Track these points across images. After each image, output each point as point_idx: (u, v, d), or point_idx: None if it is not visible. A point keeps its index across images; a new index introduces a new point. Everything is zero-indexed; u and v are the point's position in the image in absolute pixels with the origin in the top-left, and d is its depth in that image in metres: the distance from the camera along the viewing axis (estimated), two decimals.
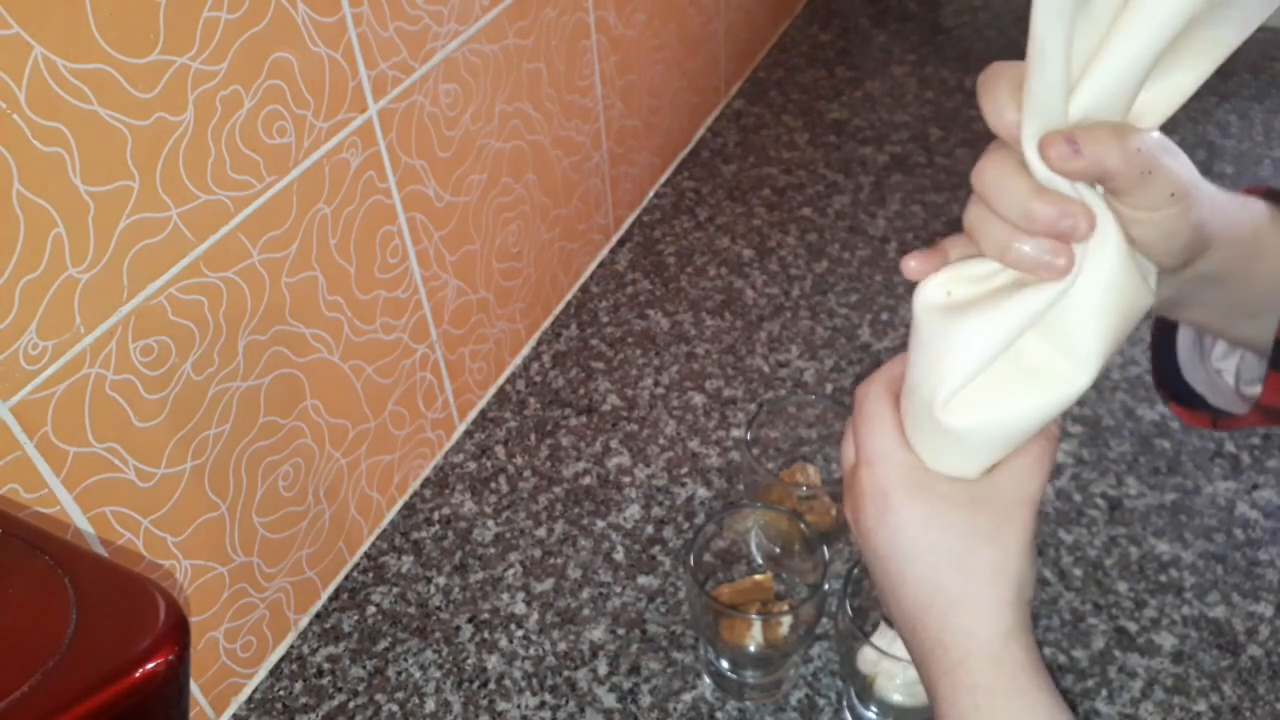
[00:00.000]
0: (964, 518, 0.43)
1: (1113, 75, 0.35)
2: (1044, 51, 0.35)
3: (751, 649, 0.64)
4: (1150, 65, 0.35)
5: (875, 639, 0.61)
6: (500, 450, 0.86)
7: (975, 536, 0.42)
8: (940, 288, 0.42)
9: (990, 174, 0.39)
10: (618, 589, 0.75)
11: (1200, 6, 0.33)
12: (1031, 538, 0.43)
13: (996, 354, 0.40)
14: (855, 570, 0.63)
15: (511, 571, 0.77)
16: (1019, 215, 0.38)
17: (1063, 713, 0.41)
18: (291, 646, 0.73)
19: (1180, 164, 0.38)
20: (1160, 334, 0.56)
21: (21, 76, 0.45)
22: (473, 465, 0.85)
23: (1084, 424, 0.84)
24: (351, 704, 0.69)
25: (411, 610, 0.75)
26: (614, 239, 1.06)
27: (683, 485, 0.82)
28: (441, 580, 0.76)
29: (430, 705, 0.69)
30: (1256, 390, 0.51)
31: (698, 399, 0.89)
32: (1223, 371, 0.53)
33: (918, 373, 0.43)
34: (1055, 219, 0.37)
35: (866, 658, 0.61)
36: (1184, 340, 0.55)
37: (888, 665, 0.59)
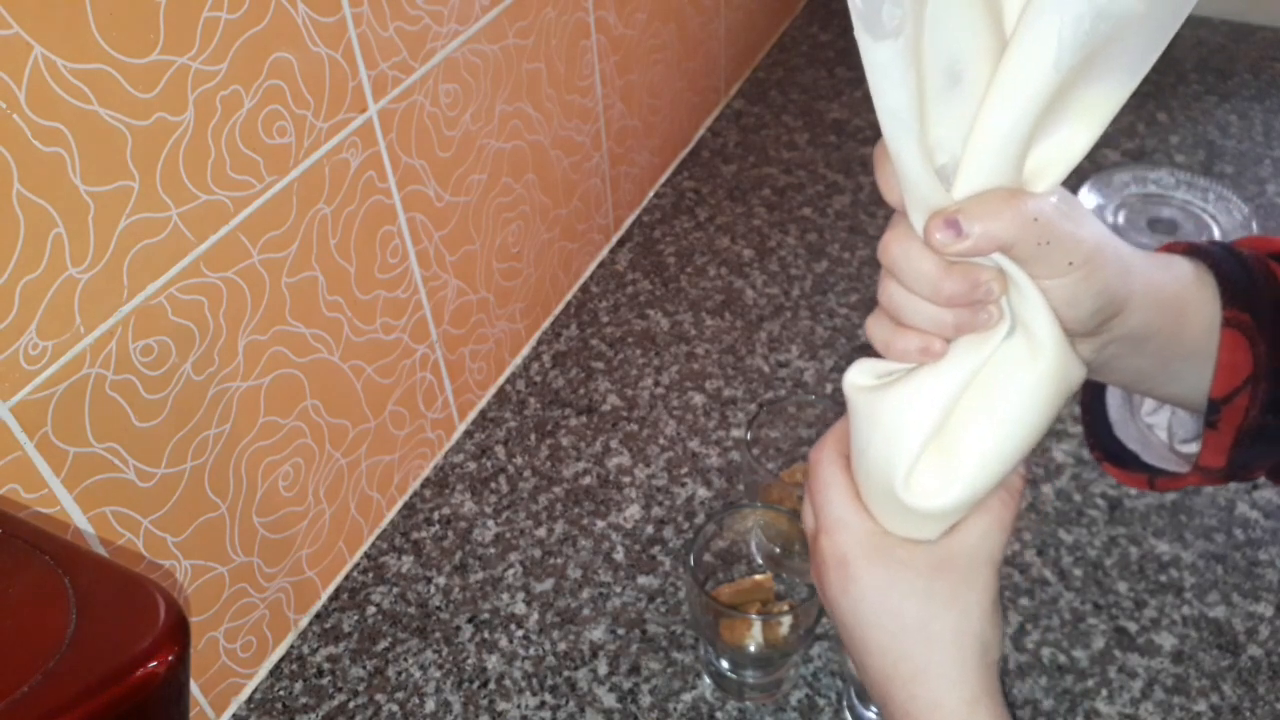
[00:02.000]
0: (924, 584, 0.42)
1: (992, 149, 0.35)
2: (899, 156, 0.35)
3: (751, 649, 0.64)
4: (1028, 134, 0.34)
5: None
6: (500, 450, 0.86)
7: (936, 602, 0.42)
8: (869, 372, 0.42)
9: (895, 251, 0.38)
10: (618, 589, 0.75)
11: (1073, 70, 0.33)
12: (995, 597, 0.43)
13: (938, 424, 0.40)
14: None
15: (511, 571, 0.77)
16: (930, 293, 0.38)
17: None
18: (291, 646, 0.73)
19: (1083, 229, 0.37)
20: (1089, 394, 0.54)
21: (21, 76, 0.45)
22: (473, 465, 0.85)
23: None
24: (351, 704, 0.69)
25: (411, 610, 0.75)
26: (614, 239, 1.06)
27: (683, 485, 0.82)
28: (441, 580, 0.77)
29: (430, 705, 0.69)
30: (1191, 449, 0.50)
31: (698, 399, 0.89)
32: (1154, 427, 0.52)
33: (861, 448, 0.42)
34: (967, 293, 0.37)
35: None
36: (1114, 398, 0.53)
37: None
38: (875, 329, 0.42)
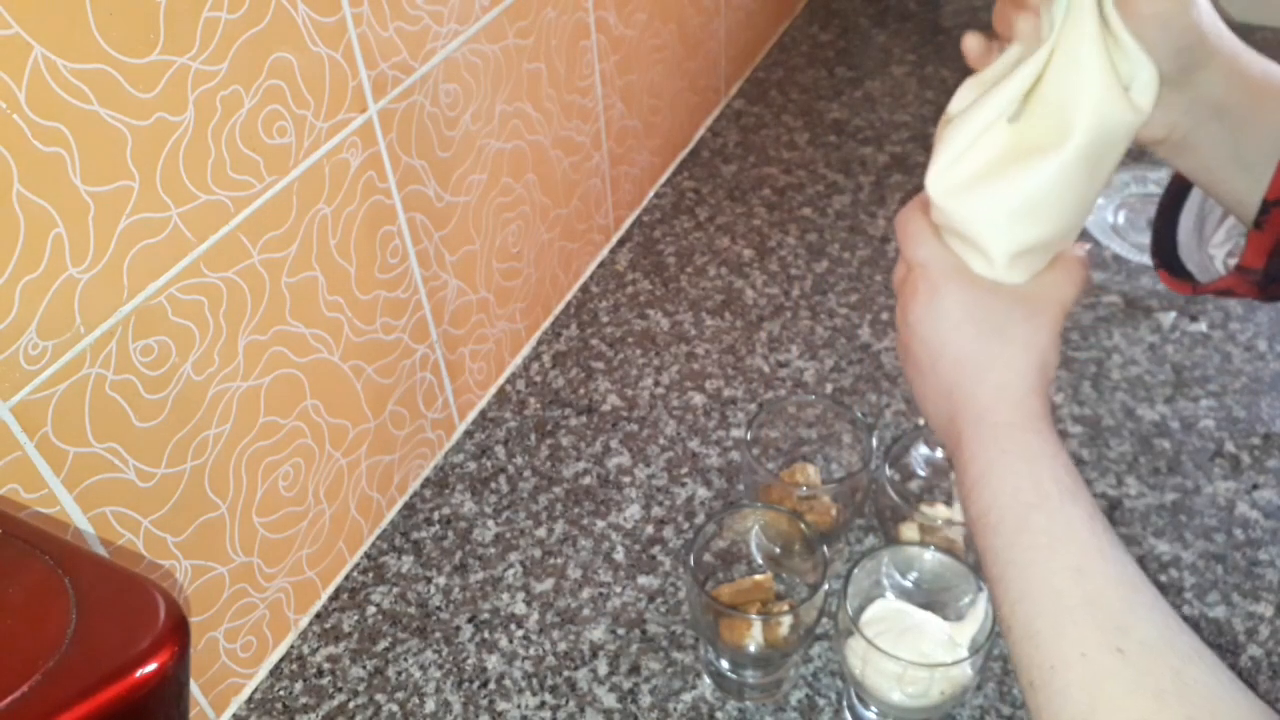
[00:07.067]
0: (1004, 302, 0.50)
1: None
2: None
3: (751, 649, 0.64)
4: None
5: (864, 626, 0.61)
6: (500, 450, 0.86)
7: (1013, 316, 0.50)
8: (969, 87, 0.51)
9: None
10: (618, 589, 0.75)
11: None
12: (1059, 332, 0.50)
13: (977, 134, 0.48)
14: (855, 569, 0.63)
15: (511, 571, 0.77)
16: None
17: (1067, 456, 0.47)
18: (291, 646, 0.73)
19: None
20: (1166, 209, 0.59)
21: (21, 76, 0.45)
22: (473, 465, 0.85)
23: (1084, 424, 0.84)
24: (351, 704, 0.69)
25: (411, 610, 0.75)
26: (614, 239, 1.06)
27: (683, 485, 0.82)
28: (441, 580, 0.77)
29: (430, 705, 0.69)
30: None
31: (698, 399, 0.89)
32: (1215, 258, 0.58)
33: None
34: None
35: (855, 650, 0.61)
36: (1186, 221, 0.59)
37: (875, 659, 0.59)
38: (970, 40, 0.52)
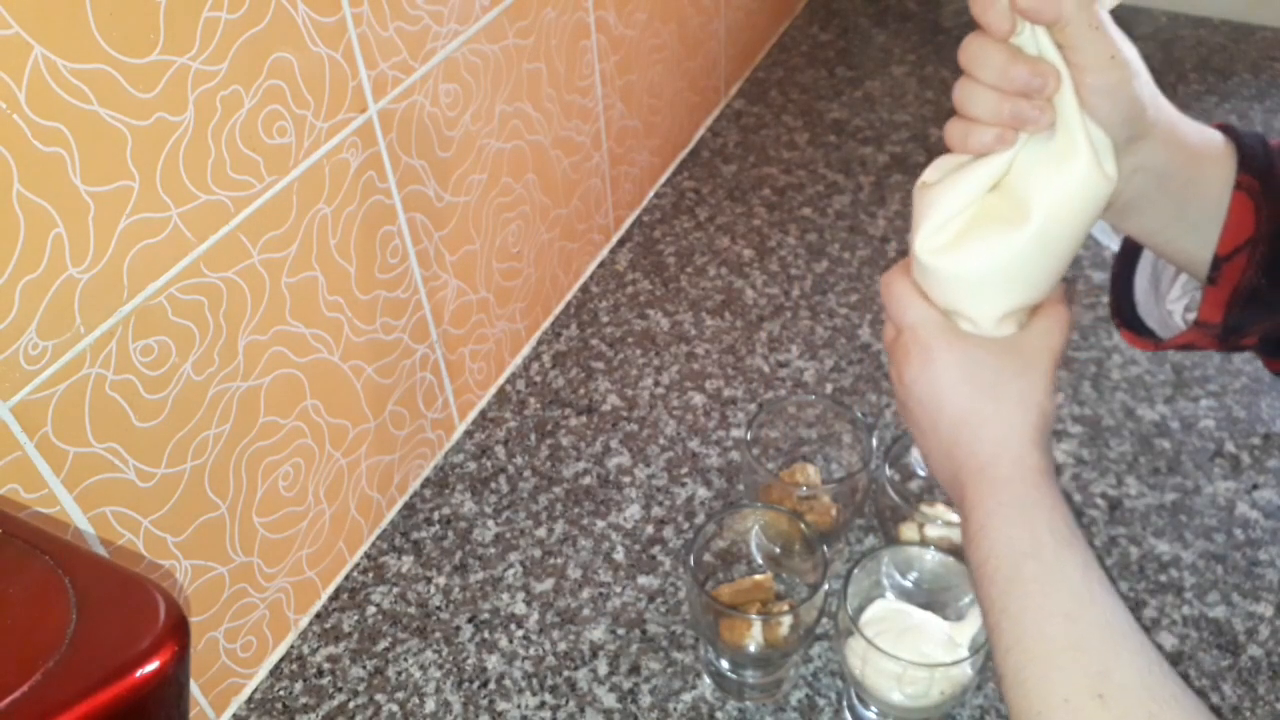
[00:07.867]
0: (996, 358, 0.51)
1: None
2: None
3: (751, 649, 0.64)
4: None
5: (864, 626, 0.61)
6: (500, 450, 0.86)
7: (1006, 372, 0.50)
8: (938, 168, 0.51)
9: (972, 48, 0.46)
10: (618, 589, 0.75)
11: None
12: (1053, 381, 0.51)
13: (965, 203, 0.48)
14: (855, 569, 0.63)
15: (511, 571, 0.77)
16: (998, 78, 0.45)
17: (1065, 508, 0.48)
18: (291, 646, 0.73)
19: (1127, 46, 0.45)
20: (1120, 271, 0.60)
21: (21, 76, 0.45)
22: (473, 465, 0.85)
23: (1084, 424, 0.84)
24: (351, 704, 0.69)
25: (411, 610, 0.75)
26: (614, 239, 1.06)
27: (683, 485, 0.82)
28: (441, 580, 0.77)
29: (430, 705, 0.69)
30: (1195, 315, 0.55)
31: (698, 399, 0.89)
32: (1173, 313, 0.58)
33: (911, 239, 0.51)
34: (1029, 77, 0.44)
35: (855, 650, 0.61)
36: (1141, 281, 0.60)
37: (875, 659, 0.59)
38: (952, 128, 0.49)
